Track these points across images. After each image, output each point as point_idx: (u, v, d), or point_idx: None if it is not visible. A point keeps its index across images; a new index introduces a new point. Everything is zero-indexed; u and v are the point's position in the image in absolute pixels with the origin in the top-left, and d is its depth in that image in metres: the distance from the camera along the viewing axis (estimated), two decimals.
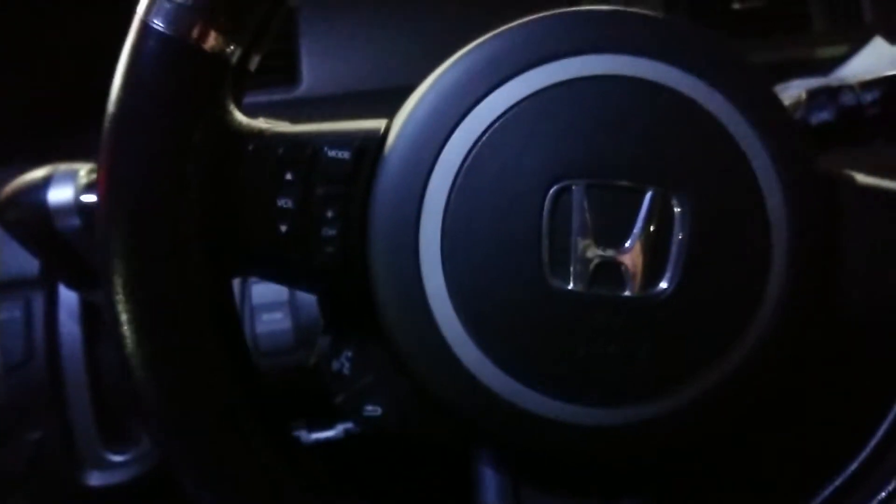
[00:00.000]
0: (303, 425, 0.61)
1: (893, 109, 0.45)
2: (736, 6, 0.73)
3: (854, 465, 0.38)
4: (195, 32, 0.31)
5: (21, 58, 0.65)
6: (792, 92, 0.54)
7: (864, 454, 0.38)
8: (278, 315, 0.57)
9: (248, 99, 0.66)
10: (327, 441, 0.60)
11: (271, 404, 0.36)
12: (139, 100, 0.32)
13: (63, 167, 0.51)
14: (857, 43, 0.70)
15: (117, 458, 0.57)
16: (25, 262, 0.56)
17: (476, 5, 0.65)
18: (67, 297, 0.57)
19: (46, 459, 0.57)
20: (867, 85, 0.45)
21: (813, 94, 0.45)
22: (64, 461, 0.57)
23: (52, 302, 0.57)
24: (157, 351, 0.32)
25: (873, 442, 0.38)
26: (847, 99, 0.45)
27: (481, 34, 0.35)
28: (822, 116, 0.45)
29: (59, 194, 0.49)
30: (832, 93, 0.45)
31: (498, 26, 0.35)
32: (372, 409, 0.38)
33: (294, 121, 0.37)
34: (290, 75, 0.66)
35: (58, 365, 0.57)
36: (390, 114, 0.36)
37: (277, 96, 0.65)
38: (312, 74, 0.66)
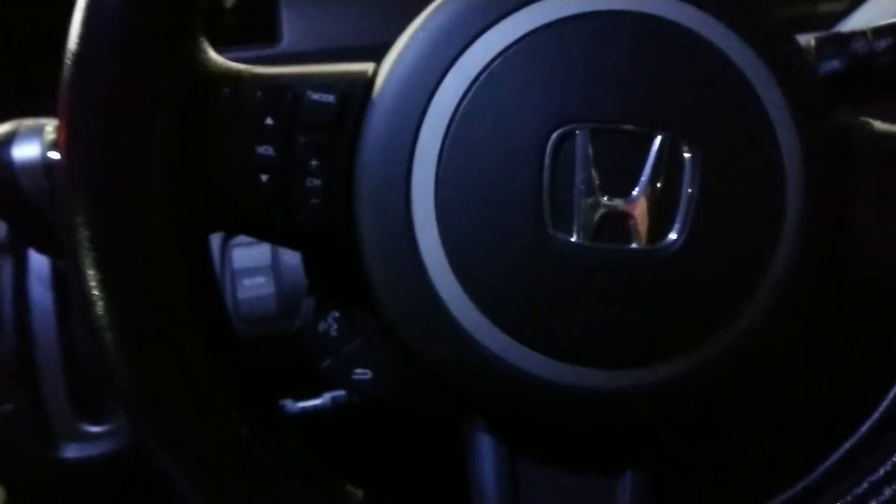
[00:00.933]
0: (288, 394, 0.59)
1: None
2: None
3: (859, 435, 0.37)
4: None
5: None
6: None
7: (865, 428, 0.37)
8: (261, 280, 0.54)
9: (226, 55, 0.63)
10: (314, 410, 0.58)
11: (252, 375, 0.34)
12: (100, 38, 0.29)
13: (28, 122, 0.48)
14: None
15: (93, 430, 0.55)
16: None
17: None
18: (38, 263, 0.54)
19: (19, 433, 0.55)
20: (879, 32, 0.43)
21: (822, 43, 0.43)
22: (38, 434, 0.55)
23: (21, 268, 0.54)
24: (126, 319, 0.30)
25: (876, 415, 0.36)
26: (859, 46, 0.42)
27: None
28: (833, 65, 0.43)
29: (25, 151, 0.46)
30: (843, 41, 0.43)
31: None
32: (361, 373, 0.36)
33: None
34: (270, 31, 0.63)
35: (28, 334, 0.54)
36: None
37: (257, 53, 0.63)
38: (293, 30, 0.64)
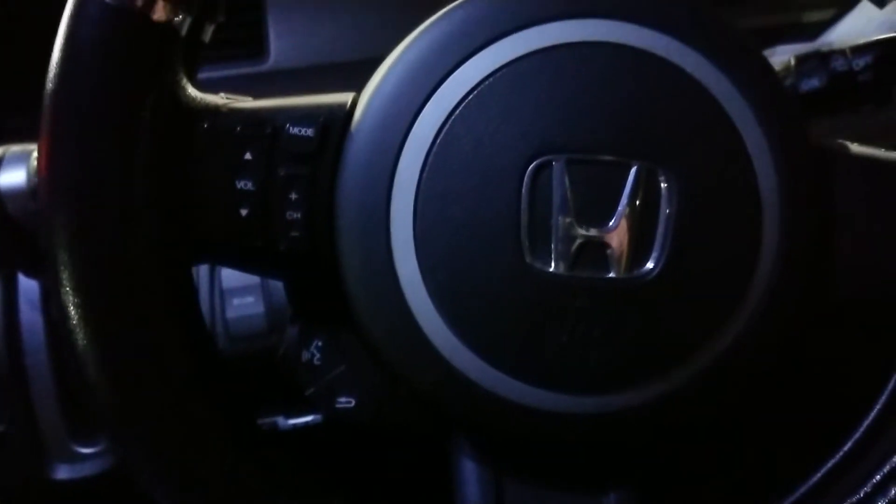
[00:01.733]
0: (280, 411, 0.59)
1: (886, 74, 0.43)
2: None
3: (848, 446, 0.37)
4: (140, 0, 0.29)
5: None
6: (779, 58, 0.52)
7: (857, 434, 0.37)
8: (250, 299, 0.54)
9: (213, 73, 0.63)
10: (306, 427, 0.58)
11: (238, 396, 0.34)
12: (79, 76, 0.29)
13: (15, 148, 0.48)
14: (844, 7, 0.68)
15: (86, 451, 0.55)
16: None
17: None
18: (27, 285, 0.54)
19: (12, 454, 0.55)
20: (859, 49, 0.43)
21: (802, 60, 0.43)
22: (30, 455, 0.55)
23: (10, 290, 0.54)
24: (108, 347, 0.30)
25: (867, 422, 0.37)
26: (838, 64, 0.43)
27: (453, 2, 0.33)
28: (813, 83, 0.43)
29: (11, 177, 0.46)
30: (823, 58, 0.43)
31: None
32: (345, 401, 0.36)
33: (261, 96, 0.34)
34: (257, 48, 0.63)
35: (19, 356, 0.54)
36: (362, 86, 0.33)
37: (243, 70, 0.63)
38: (280, 47, 0.64)
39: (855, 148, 0.35)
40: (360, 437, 0.59)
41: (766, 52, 0.61)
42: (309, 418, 0.59)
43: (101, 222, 0.29)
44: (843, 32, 0.66)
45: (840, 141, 0.36)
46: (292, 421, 0.59)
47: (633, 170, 0.31)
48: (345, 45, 0.64)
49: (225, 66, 0.62)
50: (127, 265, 0.30)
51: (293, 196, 0.32)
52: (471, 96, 0.31)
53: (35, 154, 0.48)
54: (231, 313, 0.54)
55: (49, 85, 0.29)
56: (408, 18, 0.34)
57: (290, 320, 0.37)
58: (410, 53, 0.32)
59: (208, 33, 0.33)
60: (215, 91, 0.35)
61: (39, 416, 0.55)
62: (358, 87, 0.34)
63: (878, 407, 0.36)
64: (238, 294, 0.54)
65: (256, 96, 0.34)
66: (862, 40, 0.44)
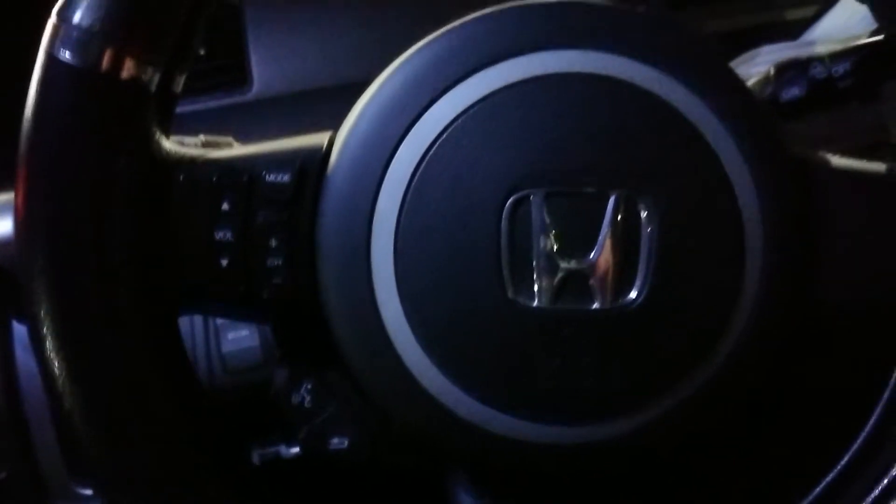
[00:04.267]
0: (282, 440, 0.59)
1: (865, 79, 0.43)
2: None
3: (846, 460, 0.37)
4: (106, 61, 0.29)
5: None
6: (764, 58, 0.52)
7: (855, 448, 0.37)
8: (244, 332, 0.54)
9: (198, 106, 0.62)
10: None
11: (225, 440, 0.34)
12: (50, 138, 0.29)
13: (1, 197, 0.48)
14: (826, 4, 0.68)
15: (87, 492, 0.55)
16: None
17: None
18: (22, 331, 0.54)
19: (14, 498, 0.55)
20: (837, 56, 0.43)
21: (782, 69, 0.43)
22: (32, 498, 0.55)
23: (5, 336, 0.54)
24: (94, 406, 0.30)
25: (864, 435, 0.37)
26: (817, 72, 0.42)
27: (433, 23, 0.33)
28: (793, 92, 0.43)
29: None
30: (802, 66, 0.43)
31: (449, 17, 0.33)
32: (338, 442, 0.36)
33: (247, 125, 0.34)
34: (240, 78, 0.63)
35: (17, 400, 0.54)
36: (346, 112, 0.33)
37: (228, 101, 0.63)
38: (263, 75, 0.63)
39: (835, 161, 0.35)
40: (357, 473, 0.59)
41: (750, 55, 0.61)
42: None
43: (80, 285, 0.29)
44: (826, 29, 0.66)
45: (821, 154, 0.35)
46: (294, 450, 0.58)
47: (612, 199, 0.31)
48: (328, 69, 0.64)
49: (209, 98, 0.62)
50: (108, 323, 0.30)
51: (273, 243, 0.32)
52: (446, 133, 0.31)
53: None
54: (226, 347, 0.54)
55: (21, 149, 0.29)
56: (390, 41, 0.34)
57: (278, 362, 0.37)
58: (384, 92, 0.32)
59: (179, 84, 0.33)
60: (199, 125, 0.34)
61: (40, 459, 0.55)
62: (343, 113, 0.33)
63: (874, 420, 0.36)
64: (232, 328, 0.54)
65: (242, 126, 0.34)
66: (840, 47, 0.44)
